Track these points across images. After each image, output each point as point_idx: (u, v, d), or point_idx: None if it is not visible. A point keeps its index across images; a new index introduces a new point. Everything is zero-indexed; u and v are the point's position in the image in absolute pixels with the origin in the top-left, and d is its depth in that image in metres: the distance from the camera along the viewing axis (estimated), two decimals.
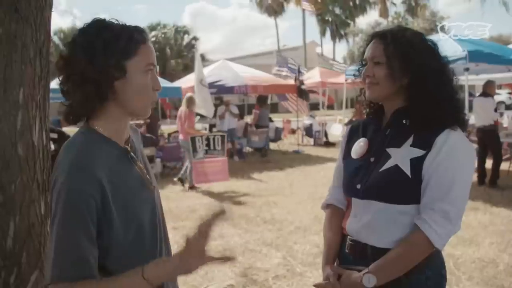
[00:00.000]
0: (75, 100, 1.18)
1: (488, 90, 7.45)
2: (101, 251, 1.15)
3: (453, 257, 4.22)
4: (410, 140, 1.49)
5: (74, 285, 1.08)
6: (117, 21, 1.22)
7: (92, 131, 1.22)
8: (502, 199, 6.51)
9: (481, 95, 7.59)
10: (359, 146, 1.63)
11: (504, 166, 7.71)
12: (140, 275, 1.11)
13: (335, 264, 1.63)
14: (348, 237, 1.61)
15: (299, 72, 12.75)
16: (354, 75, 1.72)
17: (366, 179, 1.54)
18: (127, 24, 1.23)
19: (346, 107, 13.76)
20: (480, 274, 3.89)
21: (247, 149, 12.04)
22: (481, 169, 7.31)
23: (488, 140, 7.28)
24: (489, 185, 7.11)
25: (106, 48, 1.15)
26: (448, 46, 6.96)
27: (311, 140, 14.73)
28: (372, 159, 1.56)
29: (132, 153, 1.29)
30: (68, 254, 1.09)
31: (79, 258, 1.09)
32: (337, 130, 14.89)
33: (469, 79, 7.97)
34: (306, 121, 15.21)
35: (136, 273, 1.12)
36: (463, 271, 3.94)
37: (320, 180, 8.43)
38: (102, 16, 1.23)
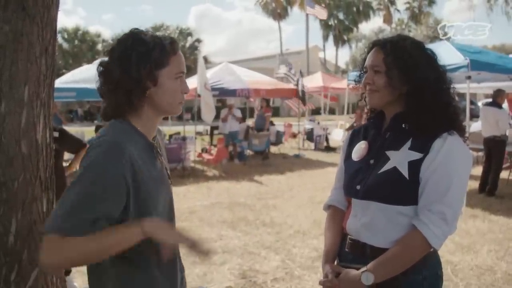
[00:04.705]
0: (109, 104, 1.32)
1: (499, 99, 7.36)
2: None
3: (451, 263, 4.23)
4: (408, 144, 1.53)
5: (64, 239, 1.13)
6: (152, 32, 1.34)
7: (127, 122, 1.34)
8: (501, 207, 6.52)
9: (491, 104, 7.47)
10: (360, 149, 1.68)
11: (503, 174, 7.72)
12: (139, 226, 1.20)
13: (335, 263, 1.66)
14: (348, 236, 1.65)
15: (301, 76, 12.78)
16: (354, 81, 1.75)
17: (365, 181, 1.58)
18: (160, 35, 1.34)
19: (348, 112, 13.79)
20: (478, 281, 3.90)
21: (248, 152, 12.05)
22: (484, 178, 7.31)
23: (495, 150, 7.23)
24: (487, 194, 7.11)
25: (140, 60, 1.27)
26: (450, 54, 6.97)
27: (312, 145, 14.74)
28: (371, 161, 1.60)
29: (157, 149, 1.41)
30: (75, 214, 1.15)
31: (81, 221, 1.15)
32: (338, 135, 14.92)
33: (471, 87, 7.96)
34: (308, 125, 15.23)
35: (135, 225, 1.21)
36: (460, 278, 3.94)
37: (320, 184, 8.44)
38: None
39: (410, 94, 1.52)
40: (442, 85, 1.54)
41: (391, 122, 1.61)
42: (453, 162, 1.46)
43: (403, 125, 1.56)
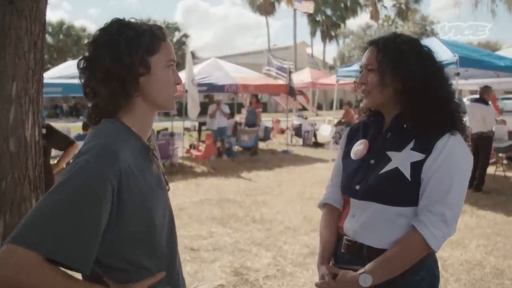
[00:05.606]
0: (101, 97, 1.19)
1: (485, 96, 7.46)
2: (104, 244, 1.11)
3: (441, 259, 4.26)
4: (411, 144, 1.51)
5: (45, 265, 1.01)
6: (136, 20, 1.25)
7: (120, 122, 1.23)
8: (488, 202, 6.60)
9: (477, 100, 7.57)
10: (359, 148, 1.64)
11: (489, 170, 7.81)
12: None
13: (330, 263, 1.64)
14: (345, 237, 1.62)
15: (290, 72, 12.76)
16: (354, 82, 1.72)
17: (365, 181, 1.55)
18: (146, 22, 1.26)
19: (336, 108, 13.83)
20: (468, 276, 3.93)
21: (236, 148, 12.02)
22: (471, 174, 7.38)
23: (482, 147, 7.32)
24: (474, 190, 7.18)
25: (130, 45, 1.18)
26: (439, 51, 7.00)
27: (300, 140, 14.77)
28: (372, 161, 1.57)
29: (154, 152, 1.31)
30: (61, 231, 1.02)
31: (70, 241, 1.02)
32: (326, 131, 14.96)
33: (458, 84, 8.04)
34: (296, 121, 15.25)
35: None
36: (451, 273, 3.98)
37: (309, 180, 8.45)
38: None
39: (405, 92, 1.50)
40: (438, 82, 1.52)
41: (392, 122, 1.58)
42: (454, 163, 1.45)
43: (405, 125, 1.54)
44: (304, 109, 18.49)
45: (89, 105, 1.24)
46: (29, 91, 1.82)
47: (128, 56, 1.17)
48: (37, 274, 1.00)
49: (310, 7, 21.62)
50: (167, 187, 1.35)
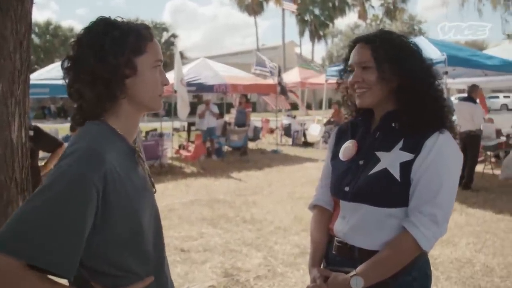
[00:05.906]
0: (86, 100, 1.16)
1: (473, 94, 7.56)
2: (91, 248, 1.09)
3: (431, 257, 4.22)
4: (400, 144, 1.49)
5: (26, 271, 0.98)
6: (122, 19, 1.21)
7: (105, 124, 1.20)
8: (477, 199, 6.66)
9: (466, 99, 7.67)
10: (348, 148, 1.61)
11: (478, 168, 7.89)
12: None
13: (321, 265, 1.62)
14: (336, 238, 1.60)
15: (280, 71, 12.78)
16: (337, 82, 1.69)
17: (355, 182, 1.53)
18: (133, 21, 1.22)
19: (326, 107, 13.87)
20: (458, 274, 3.96)
21: (226, 148, 11.99)
22: (461, 172, 7.45)
23: (470, 145, 7.40)
24: (463, 188, 7.25)
25: (116, 46, 1.14)
26: (427, 50, 7.07)
27: (290, 140, 14.78)
28: (361, 162, 1.55)
29: (139, 154, 1.27)
30: (43, 236, 0.99)
31: (53, 246, 0.99)
32: (315, 130, 14.99)
33: (447, 82, 8.11)
34: (285, 121, 15.27)
35: None
36: (441, 271, 4.00)
37: (299, 180, 8.45)
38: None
39: (401, 89, 1.48)
40: (430, 79, 1.51)
41: (381, 121, 1.55)
42: (444, 162, 1.43)
43: (393, 124, 1.52)
44: (294, 108, 18.55)
45: (74, 106, 1.21)
46: (15, 92, 1.78)
47: (113, 56, 1.13)
48: (18, 281, 0.97)
49: (293, 7, 21.82)
50: (154, 189, 1.32)
